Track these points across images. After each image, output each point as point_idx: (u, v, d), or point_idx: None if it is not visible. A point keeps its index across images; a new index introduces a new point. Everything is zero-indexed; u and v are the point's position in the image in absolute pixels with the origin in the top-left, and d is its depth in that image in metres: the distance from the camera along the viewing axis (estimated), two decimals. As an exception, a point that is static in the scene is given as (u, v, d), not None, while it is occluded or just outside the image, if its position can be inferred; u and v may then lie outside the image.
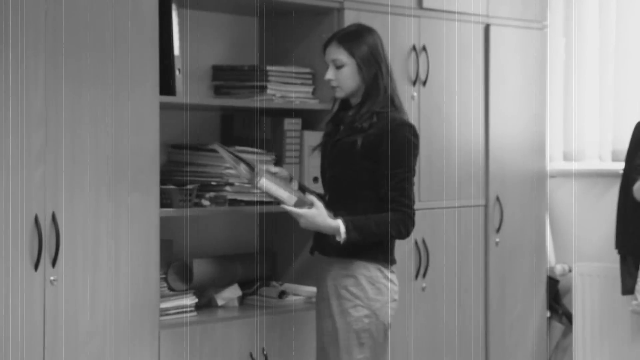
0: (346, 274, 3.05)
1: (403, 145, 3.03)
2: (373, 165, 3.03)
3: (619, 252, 4.35)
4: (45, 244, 2.95)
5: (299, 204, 2.97)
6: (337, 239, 2.98)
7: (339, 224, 2.97)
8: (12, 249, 2.90)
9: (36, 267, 2.94)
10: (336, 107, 3.23)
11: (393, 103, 3.11)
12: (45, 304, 2.97)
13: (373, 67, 3.09)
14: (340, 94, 3.14)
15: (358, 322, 3.02)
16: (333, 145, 3.14)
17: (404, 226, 3.02)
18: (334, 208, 3.06)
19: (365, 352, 3.03)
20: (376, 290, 3.04)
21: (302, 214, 2.98)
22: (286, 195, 2.96)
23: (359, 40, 3.09)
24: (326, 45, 3.14)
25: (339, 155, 3.10)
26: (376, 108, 3.07)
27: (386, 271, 3.07)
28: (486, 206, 4.30)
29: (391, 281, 3.09)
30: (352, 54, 3.08)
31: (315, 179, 3.54)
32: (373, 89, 3.09)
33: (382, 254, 3.06)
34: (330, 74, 3.12)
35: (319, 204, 2.97)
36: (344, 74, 3.09)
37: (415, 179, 3.12)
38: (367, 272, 3.04)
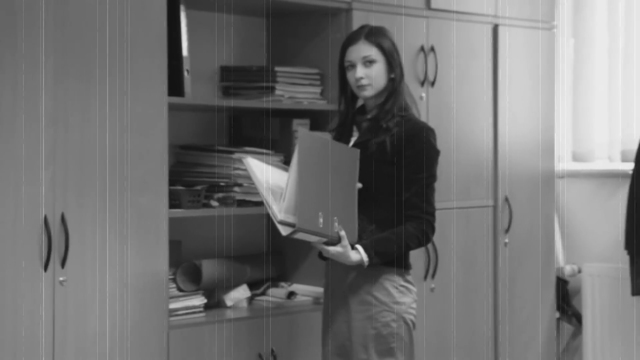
0: (369, 280, 3.02)
1: (425, 150, 3.01)
2: (393, 169, 3.01)
3: (629, 253, 4.33)
4: (55, 245, 2.96)
5: (328, 243, 2.95)
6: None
7: (362, 256, 2.95)
8: (21, 249, 2.91)
9: (45, 267, 2.95)
10: (343, 107, 3.20)
11: (409, 105, 3.09)
12: (54, 304, 2.97)
13: (398, 65, 3.08)
14: (368, 93, 3.07)
15: (387, 327, 3.01)
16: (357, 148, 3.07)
17: (424, 235, 3.01)
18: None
19: (397, 355, 3.02)
20: (400, 293, 3.03)
21: (328, 250, 2.95)
22: (316, 239, 2.95)
23: (386, 37, 3.08)
24: (348, 45, 3.09)
25: (367, 157, 3.02)
26: (396, 109, 3.05)
27: (405, 274, 3.06)
28: (495, 207, 4.30)
29: (410, 282, 3.08)
30: (382, 50, 3.05)
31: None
32: (397, 87, 3.07)
33: (401, 260, 3.04)
34: (360, 72, 3.04)
35: (344, 243, 2.93)
36: (376, 71, 3.05)
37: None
38: (390, 277, 3.03)
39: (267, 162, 3.08)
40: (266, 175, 2.99)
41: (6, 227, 2.88)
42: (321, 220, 2.89)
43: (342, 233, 2.93)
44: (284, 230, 2.88)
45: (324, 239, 2.93)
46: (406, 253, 3.05)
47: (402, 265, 3.04)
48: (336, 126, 3.22)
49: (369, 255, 2.95)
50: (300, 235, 2.89)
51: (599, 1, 4.78)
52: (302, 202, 2.85)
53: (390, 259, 2.99)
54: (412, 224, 2.99)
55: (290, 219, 2.86)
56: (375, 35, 3.07)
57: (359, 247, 2.96)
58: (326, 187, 2.93)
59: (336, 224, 2.93)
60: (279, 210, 2.87)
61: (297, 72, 3.70)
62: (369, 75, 3.05)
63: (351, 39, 3.09)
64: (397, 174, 3.01)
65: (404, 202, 3.00)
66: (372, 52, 3.05)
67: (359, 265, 2.97)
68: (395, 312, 3.01)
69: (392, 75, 3.08)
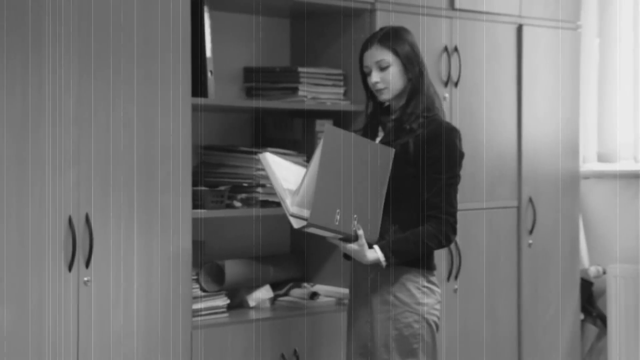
0: (390, 281, 3.02)
1: (449, 150, 3.00)
2: (416, 170, 3.01)
3: (654, 254, 4.31)
4: (79, 245, 2.98)
5: (344, 239, 2.97)
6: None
7: (378, 255, 2.96)
8: (46, 250, 2.93)
9: (70, 268, 2.97)
10: (370, 109, 3.19)
11: (434, 104, 3.09)
12: (79, 304, 2.99)
13: (416, 65, 3.07)
14: (387, 96, 3.08)
15: (409, 328, 3.01)
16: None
17: (444, 236, 3.00)
18: None
19: (419, 356, 3.01)
20: (422, 294, 3.02)
21: (344, 247, 2.98)
22: (331, 235, 2.96)
23: (401, 39, 3.07)
24: (364, 50, 3.09)
25: None
26: (420, 109, 3.04)
27: (428, 275, 3.06)
28: (519, 207, 4.28)
29: (434, 283, 3.07)
30: (396, 53, 3.04)
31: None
32: (419, 87, 3.07)
33: (424, 261, 3.04)
34: (376, 77, 3.06)
35: (362, 241, 2.95)
36: (390, 75, 3.05)
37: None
38: (413, 277, 3.02)
39: (286, 159, 3.09)
40: (283, 170, 3.00)
41: (31, 228, 2.90)
42: (338, 217, 2.89)
43: (360, 232, 2.94)
44: (296, 223, 2.89)
45: (339, 236, 2.93)
46: (427, 254, 3.03)
47: (425, 266, 3.03)
48: (362, 126, 3.22)
49: (386, 255, 2.96)
50: (312, 230, 2.90)
51: (624, 0, 4.75)
52: (317, 197, 2.85)
53: (407, 259, 2.99)
54: (432, 225, 2.99)
55: (303, 213, 2.87)
56: (388, 38, 3.06)
57: (376, 246, 2.96)
58: (349, 184, 2.92)
59: (355, 222, 2.93)
60: (292, 204, 2.88)
61: (321, 73, 3.70)
62: (385, 79, 3.05)
63: (366, 44, 3.10)
64: (419, 175, 3.01)
65: (425, 203, 3.00)
66: (386, 56, 3.05)
67: (378, 265, 2.97)
68: (418, 313, 3.01)
69: (410, 77, 3.07)
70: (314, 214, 2.85)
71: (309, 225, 2.87)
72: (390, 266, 2.98)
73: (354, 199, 2.93)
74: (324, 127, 2.94)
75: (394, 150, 3.02)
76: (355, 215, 2.93)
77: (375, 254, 2.96)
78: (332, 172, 2.89)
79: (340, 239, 2.96)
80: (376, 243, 2.98)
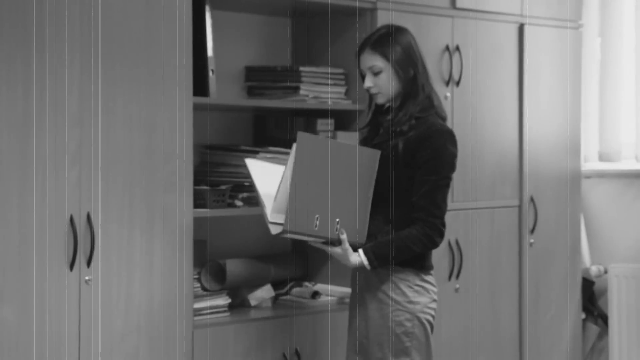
0: (383, 279, 3.03)
1: (439, 153, 2.99)
2: (409, 171, 3.01)
3: (656, 254, 4.31)
4: (81, 244, 2.98)
5: (327, 242, 2.98)
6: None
7: (362, 259, 2.98)
8: (47, 249, 2.93)
9: (71, 267, 2.97)
10: (372, 110, 3.20)
11: (432, 103, 3.08)
12: (80, 303, 2.99)
13: (410, 67, 3.05)
14: (382, 100, 3.08)
15: (400, 327, 3.01)
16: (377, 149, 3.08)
17: (430, 240, 2.98)
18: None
19: (412, 354, 3.02)
20: (415, 293, 3.03)
21: (328, 251, 3.00)
22: (312, 240, 2.97)
23: (393, 42, 3.05)
24: (359, 54, 3.08)
25: (383, 158, 3.03)
26: (416, 110, 3.03)
27: (423, 274, 3.06)
28: (520, 207, 4.28)
29: (429, 282, 3.07)
30: (387, 57, 3.03)
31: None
32: (412, 89, 3.05)
33: (418, 261, 3.04)
34: (368, 82, 3.06)
35: (345, 246, 2.97)
36: (382, 80, 3.04)
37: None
38: (405, 277, 3.03)
39: (273, 162, 3.09)
40: (267, 175, 3.00)
41: (32, 227, 2.90)
42: (317, 222, 2.90)
43: (343, 237, 2.95)
44: (273, 229, 2.90)
45: (321, 240, 2.94)
46: (420, 254, 3.03)
47: (418, 266, 3.03)
48: (365, 125, 3.23)
49: (369, 259, 2.97)
50: (290, 236, 2.91)
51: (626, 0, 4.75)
52: (293, 204, 2.86)
53: (392, 262, 2.99)
54: (418, 227, 2.98)
55: (281, 219, 2.88)
56: (379, 43, 3.04)
57: (360, 250, 2.98)
58: (327, 189, 2.93)
59: (338, 226, 2.93)
60: (272, 211, 2.90)
61: (322, 72, 3.70)
62: (377, 84, 3.06)
63: (361, 48, 3.09)
64: (409, 176, 3.00)
65: (413, 205, 2.99)
66: (377, 61, 3.04)
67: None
68: (410, 312, 3.01)
69: (404, 80, 3.05)
70: (290, 220, 2.86)
71: (284, 232, 2.88)
72: (375, 269, 2.98)
73: (337, 203, 2.94)
74: (297, 134, 2.93)
75: (379, 152, 3.02)
76: (337, 220, 2.94)
77: (359, 257, 2.98)
78: (309, 178, 2.90)
79: (324, 243, 2.97)
80: (363, 245, 2.99)
